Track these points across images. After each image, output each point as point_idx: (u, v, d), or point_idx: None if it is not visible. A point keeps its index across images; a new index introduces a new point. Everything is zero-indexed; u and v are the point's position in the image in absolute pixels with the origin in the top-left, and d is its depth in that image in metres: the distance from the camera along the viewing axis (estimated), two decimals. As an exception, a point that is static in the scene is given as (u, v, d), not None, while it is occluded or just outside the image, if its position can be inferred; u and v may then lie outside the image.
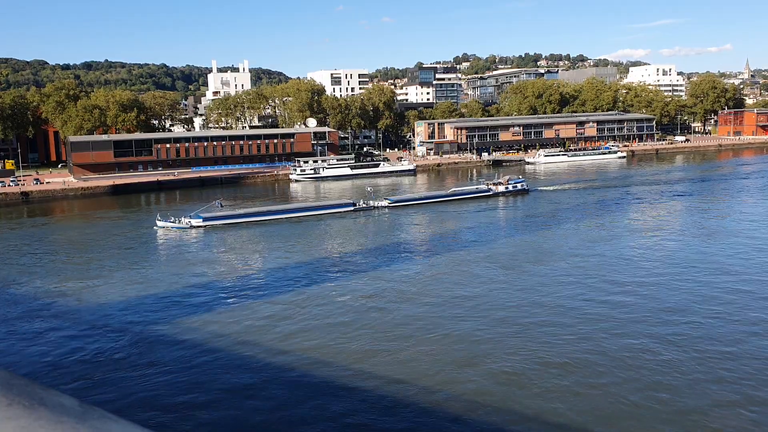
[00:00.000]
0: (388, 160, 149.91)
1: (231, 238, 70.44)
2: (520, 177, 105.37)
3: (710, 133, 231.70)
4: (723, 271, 48.44)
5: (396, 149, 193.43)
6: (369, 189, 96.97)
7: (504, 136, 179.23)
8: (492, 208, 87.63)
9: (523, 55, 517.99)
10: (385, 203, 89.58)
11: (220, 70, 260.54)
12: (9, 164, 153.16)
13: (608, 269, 50.37)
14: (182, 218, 77.58)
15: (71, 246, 70.35)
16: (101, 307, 44.44)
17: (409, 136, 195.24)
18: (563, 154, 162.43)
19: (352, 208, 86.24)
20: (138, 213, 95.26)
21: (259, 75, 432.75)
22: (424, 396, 28.41)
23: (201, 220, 77.55)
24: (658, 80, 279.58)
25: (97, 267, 57.88)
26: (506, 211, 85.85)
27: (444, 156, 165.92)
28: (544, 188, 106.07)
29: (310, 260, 57.33)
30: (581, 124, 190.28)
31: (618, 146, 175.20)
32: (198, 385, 30.29)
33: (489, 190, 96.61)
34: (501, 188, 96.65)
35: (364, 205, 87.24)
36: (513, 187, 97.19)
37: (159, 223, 77.06)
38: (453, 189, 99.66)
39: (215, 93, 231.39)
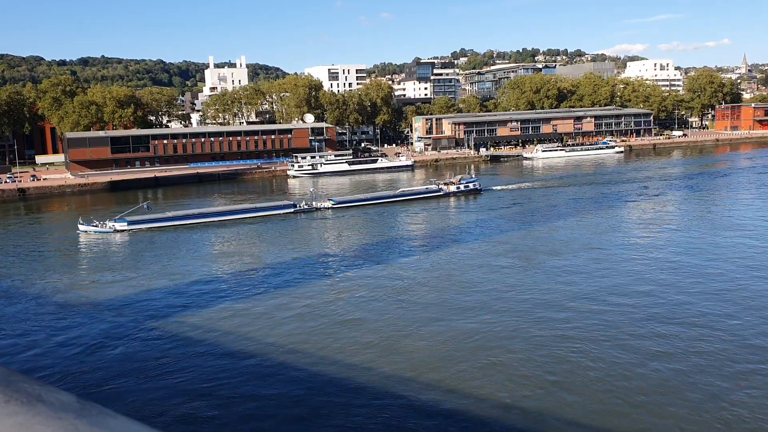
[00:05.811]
0: (386, 155, 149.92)
1: (155, 244, 65.90)
2: (473, 176, 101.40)
3: (707, 128, 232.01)
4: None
5: (394, 145, 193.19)
6: (311, 189, 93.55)
7: (502, 132, 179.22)
8: (440, 208, 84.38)
9: (521, 50, 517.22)
10: (328, 204, 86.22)
11: (217, 66, 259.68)
12: None
13: (560, 277, 46.38)
14: (106, 222, 73.78)
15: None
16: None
17: (407, 132, 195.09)
18: (561, 150, 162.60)
19: (292, 210, 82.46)
20: (95, 212, 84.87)
21: (256, 71, 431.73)
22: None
23: (126, 223, 73.70)
24: (656, 75, 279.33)
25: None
26: (455, 211, 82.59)
27: (442, 151, 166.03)
28: (499, 188, 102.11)
29: (235, 269, 53.28)
30: (579, 119, 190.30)
31: (615, 141, 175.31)
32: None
33: (440, 190, 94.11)
34: (452, 188, 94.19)
35: (306, 207, 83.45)
36: (465, 187, 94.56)
37: (81, 227, 72.68)
38: (402, 189, 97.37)
39: (212, 89, 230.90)
